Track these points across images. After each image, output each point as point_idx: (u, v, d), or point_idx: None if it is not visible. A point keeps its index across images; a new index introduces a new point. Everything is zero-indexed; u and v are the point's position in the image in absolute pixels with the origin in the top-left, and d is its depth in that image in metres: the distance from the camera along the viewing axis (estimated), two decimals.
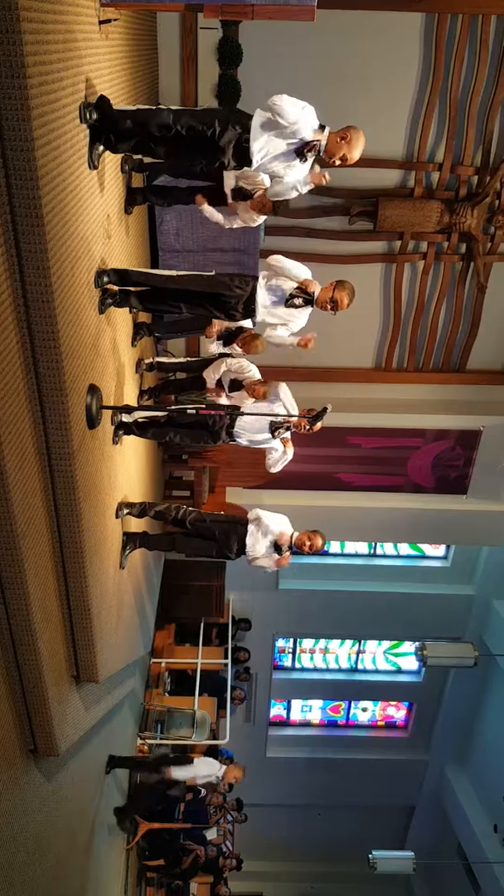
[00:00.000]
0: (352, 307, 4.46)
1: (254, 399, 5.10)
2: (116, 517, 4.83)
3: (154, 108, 3.82)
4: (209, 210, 4.68)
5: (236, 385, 5.32)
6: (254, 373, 5.43)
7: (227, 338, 5.26)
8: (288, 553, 5.04)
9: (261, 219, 4.79)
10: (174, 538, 5.36)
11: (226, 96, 6.46)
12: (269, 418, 4.87)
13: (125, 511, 4.98)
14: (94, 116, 3.40)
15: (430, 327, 8.02)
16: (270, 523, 5.04)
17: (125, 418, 4.72)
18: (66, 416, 3.27)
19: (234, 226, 4.81)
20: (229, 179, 4.61)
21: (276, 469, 5.22)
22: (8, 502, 2.90)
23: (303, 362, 7.97)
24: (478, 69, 6.58)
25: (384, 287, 7.81)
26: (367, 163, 6.72)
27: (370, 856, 8.43)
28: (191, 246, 6.32)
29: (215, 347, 5.37)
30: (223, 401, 5.20)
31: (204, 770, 7.58)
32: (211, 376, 5.41)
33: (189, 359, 6.74)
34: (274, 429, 4.94)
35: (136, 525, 5.42)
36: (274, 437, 5.05)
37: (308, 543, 4.92)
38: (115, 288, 4.17)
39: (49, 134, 2.78)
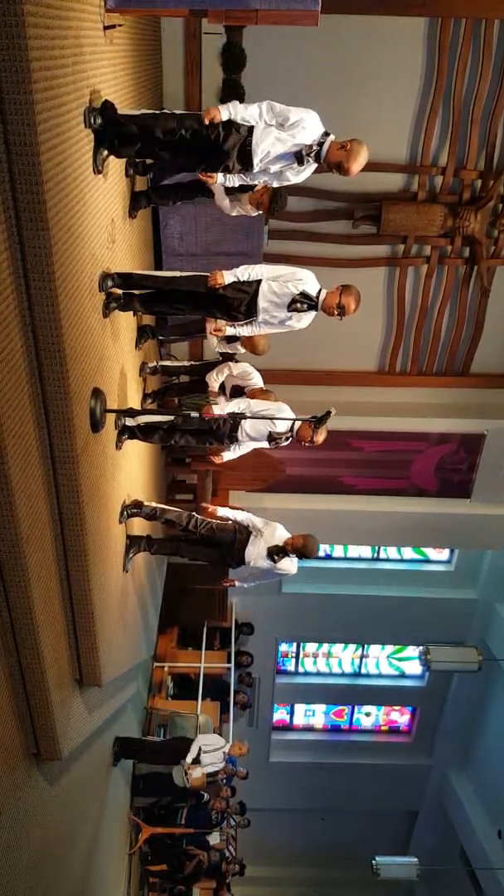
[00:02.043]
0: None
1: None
2: (120, 521, 4.83)
3: (158, 112, 3.84)
4: (219, 190, 4.64)
5: (238, 391, 5.32)
6: (256, 380, 5.42)
7: (232, 336, 5.27)
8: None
9: (255, 213, 4.91)
10: (179, 543, 5.36)
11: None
12: (269, 429, 4.86)
13: (132, 511, 4.98)
14: (99, 121, 3.42)
15: (434, 331, 8.02)
16: (269, 531, 5.05)
17: (129, 422, 4.72)
18: (69, 420, 3.27)
19: (234, 213, 4.90)
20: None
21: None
22: (11, 505, 2.90)
23: (306, 365, 7.98)
24: (481, 73, 6.59)
25: (387, 291, 7.81)
26: (370, 166, 6.66)
27: (373, 862, 8.39)
28: (194, 249, 6.34)
29: (219, 345, 5.35)
30: (221, 407, 5.15)
31: (208, 739, 7.50)
32: (214, 379, 5.40)
33: (192, 362, 6.75)
34: (272, 439, 4.93)
35: (140, 528, 5.42)
36: (270, 446, 5.05)
37: (291, 544, 4.96)
38: (119, 291, 4.18)
39: (54, 139, 2.79)
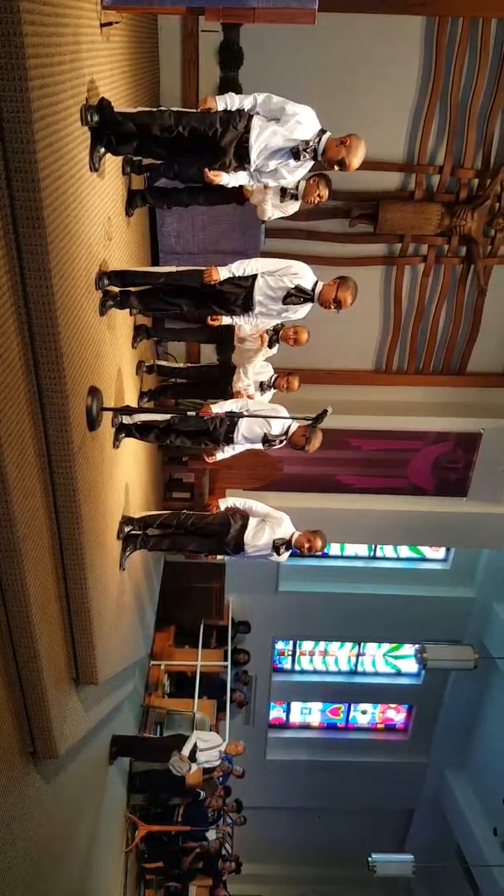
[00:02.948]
0: (352, 309, 4.46)
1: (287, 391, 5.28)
2: (118, 538, 4.83)
3: (155, 110, 3.83)
4: (275, 191, 4.66)
5: (262, 386, 5.39)
6: (271, 368, 5.49)
7: (274, 336, 5.30)
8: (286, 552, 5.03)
9: (295, 207, 4.87)
10: (174, 538, 5.35)
11: None
12: (263, 431, 4.87)
13: (127, 529, 4.98)
14: (95, 119, 3.41)
15: (431, 330, 8.02)
16: (276, 522, 5.02)
17: (125, 420, 4.72)
18: (66, 418, 3.27)
19: (276, 216, 4.92)
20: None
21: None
22: (8, 504, 2.90)
23: (303, 364, 7.97)
24: (478, 72, 6.59)
25: (384, 290, 7.81)
26: (367, 165, 6.68)
27: (369, 859, 8.42)
28: (191, 248, 6.34)
29: (257, 346, 5.38)
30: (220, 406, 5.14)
31: (205, 736, 7.50)
32: (241, 384, 5.41)
33: (189, 364, 6.74)
34: (266, 441, 4.93)
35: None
36: (264, 448, 5.06)
37: (307, 545, 4.88)
38: (116, 290, 4.18)
39: (50, 136, 2.79)
